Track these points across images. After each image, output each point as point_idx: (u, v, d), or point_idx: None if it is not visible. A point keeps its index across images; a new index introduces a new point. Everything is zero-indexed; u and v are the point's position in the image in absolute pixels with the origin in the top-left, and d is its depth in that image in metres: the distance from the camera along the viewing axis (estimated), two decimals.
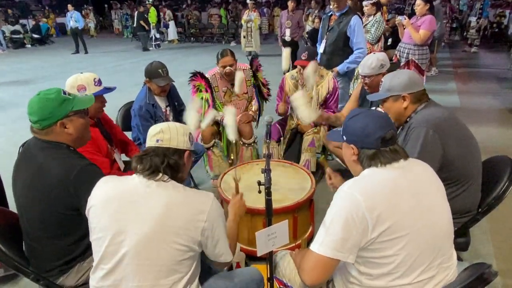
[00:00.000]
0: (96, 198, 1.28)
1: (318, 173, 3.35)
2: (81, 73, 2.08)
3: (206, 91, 3.05)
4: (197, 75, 3.07)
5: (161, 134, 1.30)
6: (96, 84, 2.06)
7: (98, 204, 1.27)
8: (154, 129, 1.33)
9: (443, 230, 1.24)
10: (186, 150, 1.35)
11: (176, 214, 1.21)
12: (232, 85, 3.16)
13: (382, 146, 1.24)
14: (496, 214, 1.79)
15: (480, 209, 1.79)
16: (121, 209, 1.22)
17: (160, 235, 1.19)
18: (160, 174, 1.26)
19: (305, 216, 2.44)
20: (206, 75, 3.09)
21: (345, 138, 1.35)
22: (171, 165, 1.28)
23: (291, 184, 2.45)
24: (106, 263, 1.23)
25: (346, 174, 2.15)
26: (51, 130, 1.50)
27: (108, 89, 2.15)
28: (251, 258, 2.26)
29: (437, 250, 1.20)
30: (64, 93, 1.54)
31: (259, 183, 1.45)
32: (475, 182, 1.77)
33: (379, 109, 2.60)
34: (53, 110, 1.48)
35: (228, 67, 3.00)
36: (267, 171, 1.40)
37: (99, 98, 2.09)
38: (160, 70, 2.63)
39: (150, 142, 1.32)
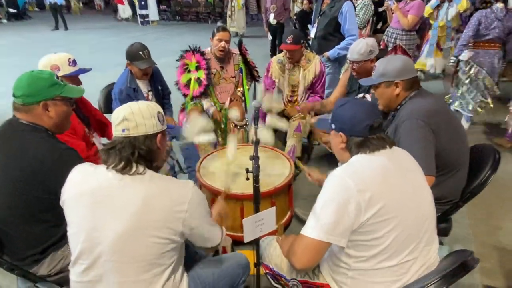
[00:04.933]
0: (70, 191, 1.22)
1: (304, 158, 3.37)
2: (55, 53, 2.02)
3: (197, 70, 2.99)
4: (188, 53, 3.00)
5: (126, 123, 1.18)
6: (70, 64, 2.01)
7: (72, 198, 1.21)
8: (116, 116, 1.20)
9: (428, 213, 1.28)
10: (158, 132, 1.24)
11: (154, 208, 1.15)
12: (222, 67, 3.13)
13: (370, 133, 1.27)
14: (474, 199, 1.84)
15: (462, 196, 1.83)
16: (96, 204, 1.16)
17: (139, 231, 1.14)
18: (134, 167, 1.17)
19: (283, 201, 2.45)
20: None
21: (333, 126, 1.37)
22: (143, 155, 1.19)
23: (270, 169, 2.44)
24: (85, 258, 1.18)
25: (332, 159, 2.15)
26: (32, 109, 1.45)
27: (83, 70, 2.09)
28: (236, 243, 2.27)
29: (423, 232, 1.24)
30: (57, 77, 1.52)
31: (247, 170, 1.44)
32: (460, 171, 1.80)
33: (367, 95, 2.61)
34: (41, 89, 1.45)
35: (223, 42, 2.97)
36: (255, 158, 1.38)
37: (74, 79, 2.05)
38: (141, 52, 2.53)
39: (116, 132, 1.20)
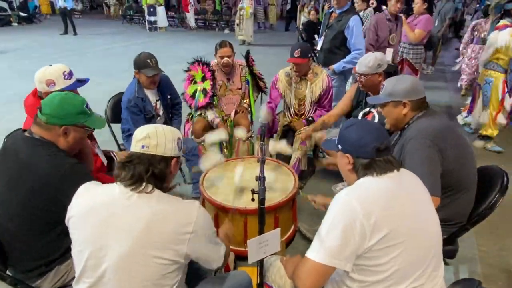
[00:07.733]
0: (76, 208, 1.23)
1: (309, 171, 3.35)
2: (50, 65, 1.95)
3: (203, 81, 3.01)
4: (194, 64, 3.03)
5: (147, 140, 1.21)
6: (66, 77, 1.93)
7: (78, 215, 1.21)
8: (140, 133, 1.24)
9: (435, 239, 1.26)
10: (173, 157, 1.27)
11: (159, 229, 1.15)
12: (228, 79, 3.15)
13: (377, 156, 1.26)
14: None
15: (470, 219, 1.80)
16: (101, 222, 1.17)
17: (143, 251, 1.14)
18: (143, 184, 1.19)
19: (287, 216, 2.43)
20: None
21: (340, 147, 1.36)
22: (156, 174, 1.21)
23: (274, 183, 2.42)
24: (88, 276, 1.18)
25: (337, 172, 2.13)
26: (52, 129, 1.48)
27: (80, 82, 2.02)
28: (239, 258, 2.25)
29: (429, 258, 1.22)
30: (87, 106, 1.56)
31: (253, 191, 1.43)
32: (468, 192, 1.78)
33: (373, 110, 2.60)
34: (68, 114, 1.49)
35: (225, 58, 3.00)
36: (261, 179, 1.37)
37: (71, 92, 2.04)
38: (148, 60, 2.55)
39: (135, 147, 1.23)
